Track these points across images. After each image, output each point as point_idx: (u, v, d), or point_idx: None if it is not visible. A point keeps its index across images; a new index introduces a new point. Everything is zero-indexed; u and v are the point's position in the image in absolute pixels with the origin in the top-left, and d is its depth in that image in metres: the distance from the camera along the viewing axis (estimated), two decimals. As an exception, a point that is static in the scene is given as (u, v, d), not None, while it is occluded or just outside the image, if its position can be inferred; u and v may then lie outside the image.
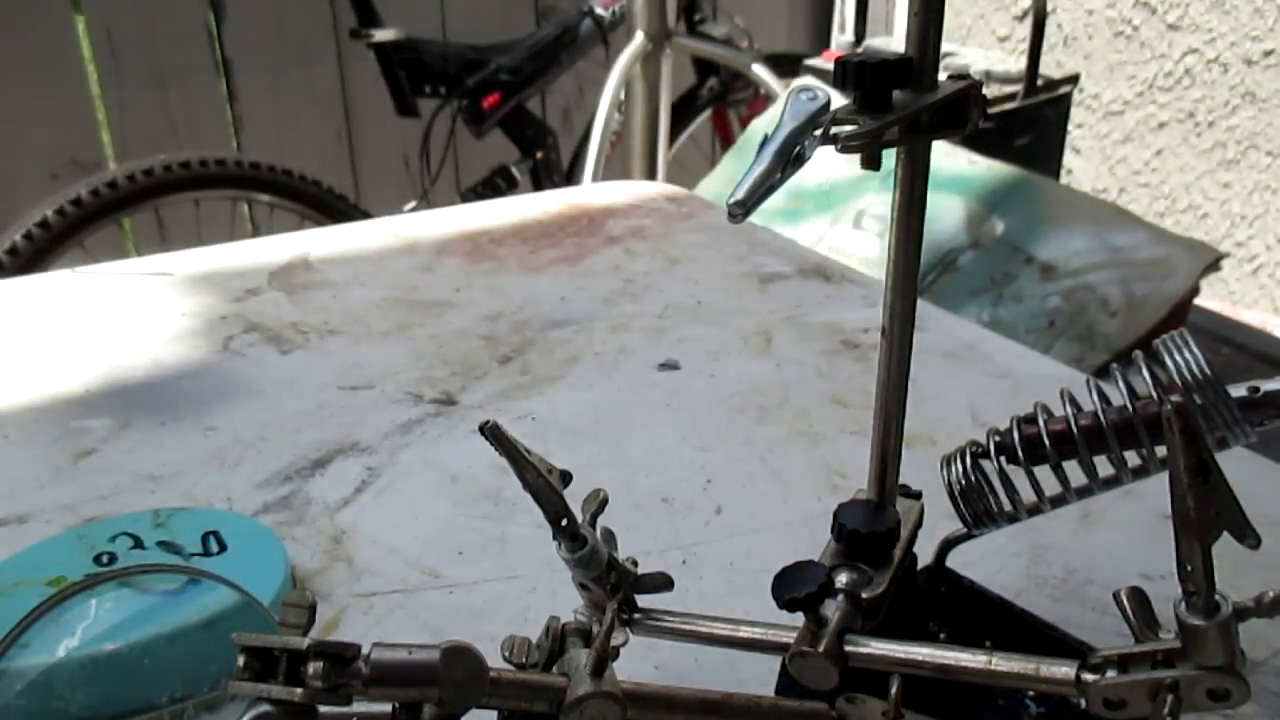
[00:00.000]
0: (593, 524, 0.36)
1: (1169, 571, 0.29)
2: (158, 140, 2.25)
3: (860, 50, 0.33)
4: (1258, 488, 0.56)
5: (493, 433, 0.34)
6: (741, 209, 0.28)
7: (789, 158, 0.29)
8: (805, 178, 1.61)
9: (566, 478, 0.36)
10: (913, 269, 0.36)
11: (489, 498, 0.57)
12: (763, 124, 1.97)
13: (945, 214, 1.51)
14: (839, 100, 0.31)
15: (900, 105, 0.32)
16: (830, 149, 0.30)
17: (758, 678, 0.39)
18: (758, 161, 0.28)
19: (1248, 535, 0.28)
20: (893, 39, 2.45)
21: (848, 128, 0.30)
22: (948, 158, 1.58)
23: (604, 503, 0.37)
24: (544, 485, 0.35)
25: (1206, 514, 0.28)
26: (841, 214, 1.57)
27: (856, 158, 0.31)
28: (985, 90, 0.35)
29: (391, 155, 2.54)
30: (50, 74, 2.19)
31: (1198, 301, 1.59)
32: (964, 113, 0.33)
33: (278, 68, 2.42)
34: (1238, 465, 0.55)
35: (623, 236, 0.93)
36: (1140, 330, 1.40)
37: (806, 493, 0.57)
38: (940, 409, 0.65)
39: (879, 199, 1.55)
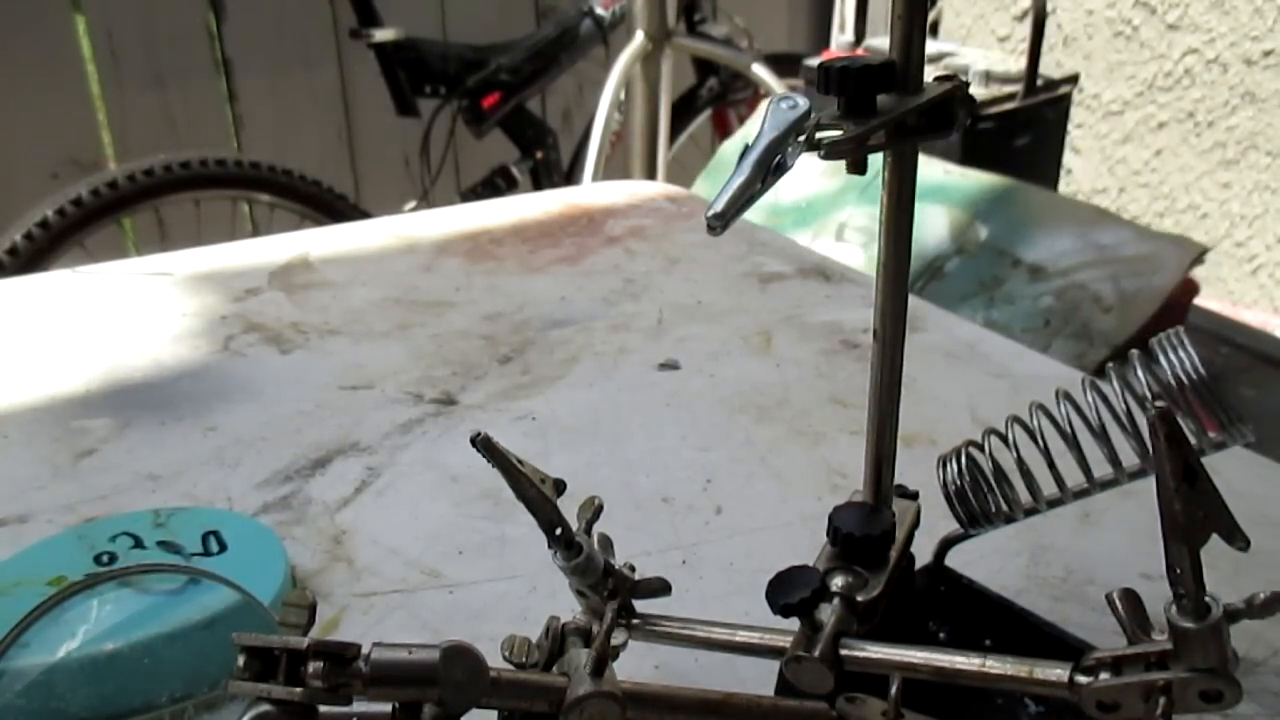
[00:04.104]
0: (588, 531, 0.36)
1: (1168, 571, 0.29)
2: (158, 140, 2.25)
3: (860, 50, 0.33)
4: (1258, 488, 0.56)
5: (484, 444, 0.33)
6: (720, 221, 0.28)
7: (769, 168, 0.28)
8: (782, 194, 1.61)
9: (560, 486, 0.36)
10: (903, 270, 0.36)
11: (489, 498, 0.57)
12: (733, 145, 1.98)
13: (927, 222, 1.52)
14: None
15: (885, 109, 0.32)
16: (807, 165, 0.30)
17: (758, 677, 0.39)
18: (737, 172, 0.28)
19: (1236, 538, 0.28)
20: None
21: (832, 134, 0.30)
22: (923, 168, 1.57)
23: (599, 510, 0.37)
24: (537, 495, 0.35)
25: (1194, 517, 0.28)
26: (822, 228, 1.57)
27: (832, 172, 0.31)
28: (985, 90, 0.35)
29: (391, 155, 2.55)
30: (50, 74, 2.19)
31: (1198, 301, 1.59)
32: (950, 114, 0.33)
33: (278, 68, 2.42)
34: (1238, 465, 0.55)
35: (623, 236, 0.93)
36: (1137, 324, 1.40)
37: (806, 493, 0.57)
38: (940, 409, 0.65)
39: (859, 211, 1.55)
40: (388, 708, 0.29)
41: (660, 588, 0.37)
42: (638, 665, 0.43)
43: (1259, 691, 0.43)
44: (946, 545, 0.42)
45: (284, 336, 0.76)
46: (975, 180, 1.60)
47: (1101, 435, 0.36)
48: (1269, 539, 0.50)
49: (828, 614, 0.35)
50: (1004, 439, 0.38)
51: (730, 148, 1.97)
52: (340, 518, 0.56)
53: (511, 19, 2.60)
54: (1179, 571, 0.28)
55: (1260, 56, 2.32)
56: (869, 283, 0.84)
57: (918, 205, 0.35)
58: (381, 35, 2.16)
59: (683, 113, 2.37)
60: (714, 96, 2.45)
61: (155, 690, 0.41)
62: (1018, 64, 1.93)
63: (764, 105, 1.26)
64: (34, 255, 1.70)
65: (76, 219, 1.73)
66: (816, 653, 0.34)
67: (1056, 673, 0.31)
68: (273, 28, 2.40)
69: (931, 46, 2.08)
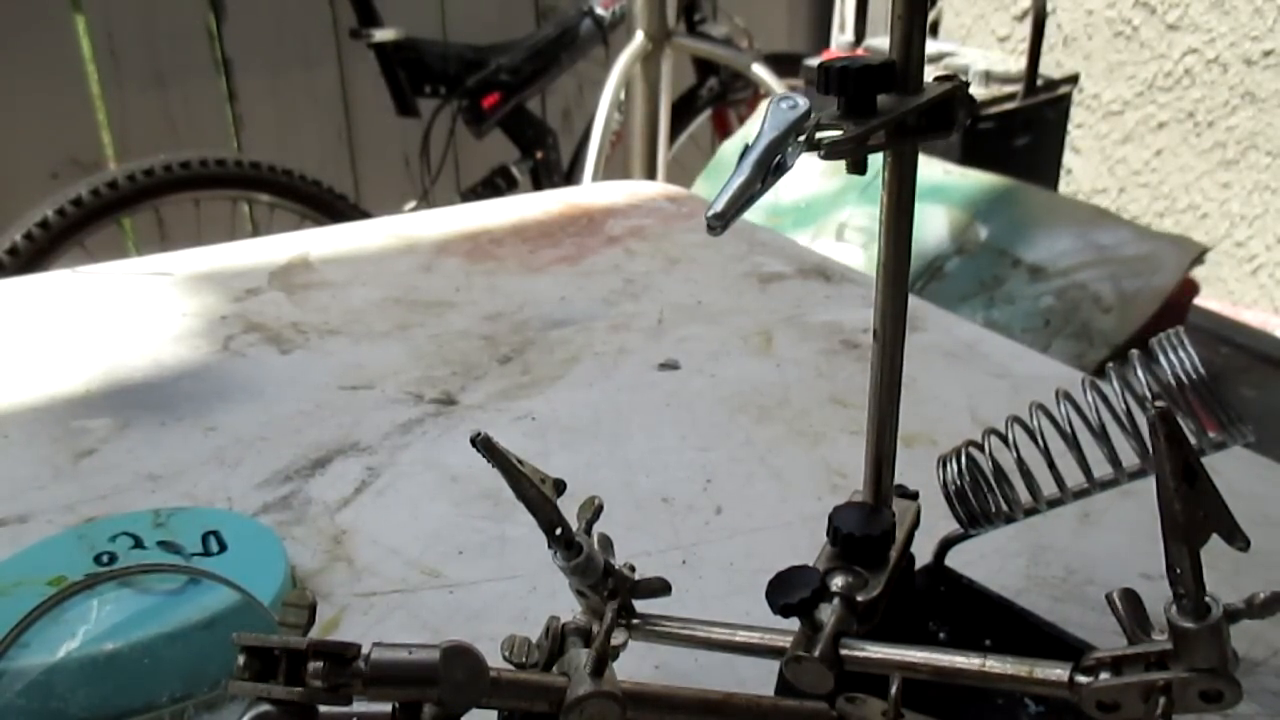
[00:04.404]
0: (588, 531, 0.36)
1: (1168, 571, 0.29)
2: (158, 140, 2.25)
3: (860, 50, 0.33)
4: (1258, 488, 0.56)
5: (484, 444, 0.33)
6: (720, 221, 0.28)
7: (769, 168, 0.28)
8: (782, 194, 1.61)
9: (560, 486, 0.36)
10: (903, 270, 0.36)
11: (489, 498, 0.57)
12: (733, 145, 1.98)
13: (927, 222, 1.52)
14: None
15: (885, 109, 0.32)
16: (807, 165, 0.30)
17: (758, 678, 0.39)
18: (737, 172, 0.28)
19: (1236, 538, 0.28)
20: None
21: (832, 134, 0.30)
22: (923, 168, 1.57)
23: (599, 510, 0.37)
24: (537, 495, 0.35)
25: (1194, 517, 0.28)
26: (822, 228, 1.57)
27: (832, 172, 0.31)
28: (985, 90, 0.35)
29: (391, 155, 2.55)
30: (50, 74, 2.19)
31: (1198, 301, 1.59)
32: (950, 114, 0.33)
33: (278, 68, 2.42)
34: (1238, 465, 0.55)
35: (623, 236, 0.93)
36: (1136, 324, 1.40)
37: (806, 493, 0.57)
38: (940, 409, 0.65)
39: (859, 210, 1.55)
40: (388, 708, 0.29)
41: (660, 588, 0.37)
42: (638, 665, 0.43)
43: (1259, 691, 0.43)
44: (946, 545, 0.42)
45: (284, 336, 0.76)
46: (975, 180, 1.60)
47: (1101, 435, 0.36)
48: (1269, 539, 0.50)
49: (828, 614, 0.35)
50: (1004, 439, 0.38)
51: (730, 148, 1.97)
52: (340, 518, 0.56)
53: (511, 19, 2.60)
54: (1179, 571, 0.28)
55: (1260, 56, 2.32)
56: (869, 283, 0.84)
57: (918, 205, 0.35)
58: (381, 35, 2.16)
59: (683, 113, 2.37)
60: (714, 96, 2.45)
61: (155, 690, 0.41)
62: (1018, 64, 1.93)
63: (764, 105, 1.26)
64: (34, 255, 1.70)
65: (76, 219, 1.73)
66: (816, 653, 0.34)
67: (1056, 673, 0.31)
68: (273, 28, 2.40)
69: (931, 46, 2.07)
